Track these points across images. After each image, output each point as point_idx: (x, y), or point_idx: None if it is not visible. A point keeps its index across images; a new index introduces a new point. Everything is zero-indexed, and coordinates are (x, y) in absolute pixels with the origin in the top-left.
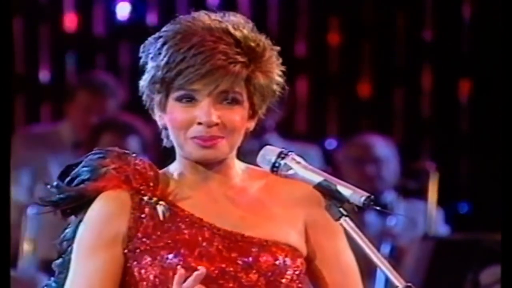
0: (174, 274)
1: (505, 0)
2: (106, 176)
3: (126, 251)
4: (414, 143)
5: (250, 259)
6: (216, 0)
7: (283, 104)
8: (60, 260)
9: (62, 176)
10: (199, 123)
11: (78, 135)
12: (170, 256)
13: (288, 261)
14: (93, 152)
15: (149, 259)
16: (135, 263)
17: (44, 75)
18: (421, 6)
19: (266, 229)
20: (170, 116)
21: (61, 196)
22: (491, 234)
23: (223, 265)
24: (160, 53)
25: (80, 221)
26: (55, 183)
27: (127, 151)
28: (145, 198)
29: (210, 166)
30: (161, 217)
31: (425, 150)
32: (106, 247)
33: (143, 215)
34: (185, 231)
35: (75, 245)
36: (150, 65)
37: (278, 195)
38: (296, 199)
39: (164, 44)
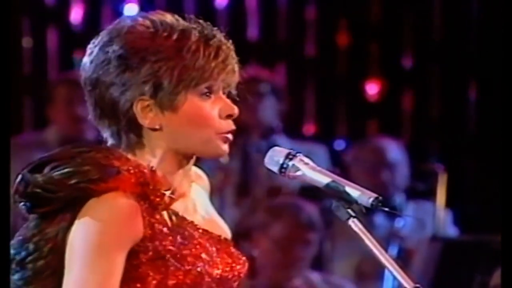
0: (202, 282)
1: None
2: (118, 176)
3: (144, 259)
4: (422, 144)
5: (241, 262)
6: (224, 1)
7: None
8: (41, 261)
9: (35, 171)
10: (228, 116)
11: (64, 134)
12: (200, 264)
13: None
14: (86, 148)
15: (178, 265)
16: (153, 272)
17: (51, 77)
18: (429, 7)
19: (222, 228)
20: (193, 113)
21: (59, 194)
22: (500, 236)
23: (225, 272)
24: (180, 50)
25: (71, 220)
26: (40, 178)
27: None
28: (147, 202)
29: (189, 166)
30: (169, 223)
31: (433, 151)
32: (122, 250)
33: (153, 220)
34: (197, 237)
35: (83, 244)
36: (162, 66)
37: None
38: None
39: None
